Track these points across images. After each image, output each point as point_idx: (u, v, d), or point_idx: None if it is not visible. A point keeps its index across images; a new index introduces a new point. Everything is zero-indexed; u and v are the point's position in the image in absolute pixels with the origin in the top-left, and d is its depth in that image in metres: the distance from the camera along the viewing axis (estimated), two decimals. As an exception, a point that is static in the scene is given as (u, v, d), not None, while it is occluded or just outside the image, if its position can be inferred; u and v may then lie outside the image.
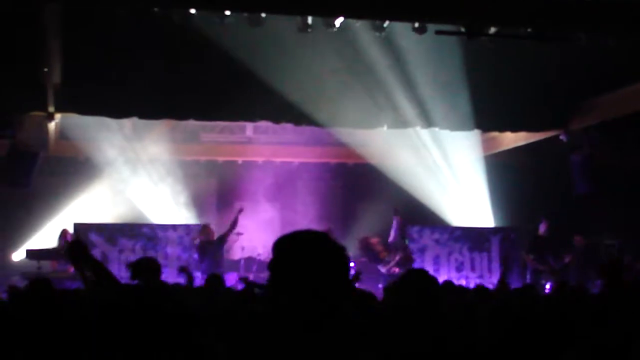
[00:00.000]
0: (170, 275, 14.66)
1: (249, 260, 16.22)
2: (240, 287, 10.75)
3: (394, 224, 15.28)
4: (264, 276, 13.96)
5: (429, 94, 13.97)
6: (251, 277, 14.65)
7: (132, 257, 14.75)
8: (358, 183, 19.50)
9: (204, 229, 15.12)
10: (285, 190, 19.26)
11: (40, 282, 6.54)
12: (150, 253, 15.02)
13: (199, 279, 13.93)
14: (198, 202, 18.03)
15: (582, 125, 15.16)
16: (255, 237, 17.26)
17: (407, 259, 15.07)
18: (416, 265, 15.24)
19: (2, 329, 4.79)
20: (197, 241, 15.00)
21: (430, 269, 15.02)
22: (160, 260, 14.84)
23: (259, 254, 16.40)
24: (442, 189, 17.61)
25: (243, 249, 16.79)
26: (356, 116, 14.09)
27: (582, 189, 15.39)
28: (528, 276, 15.56)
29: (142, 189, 17.22)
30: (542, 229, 15.72)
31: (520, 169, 17.78)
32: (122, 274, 14.43)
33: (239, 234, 16.37)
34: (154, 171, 17.18)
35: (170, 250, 15.31)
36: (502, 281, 10.12)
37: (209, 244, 14.70)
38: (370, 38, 12.91)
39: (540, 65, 13.69)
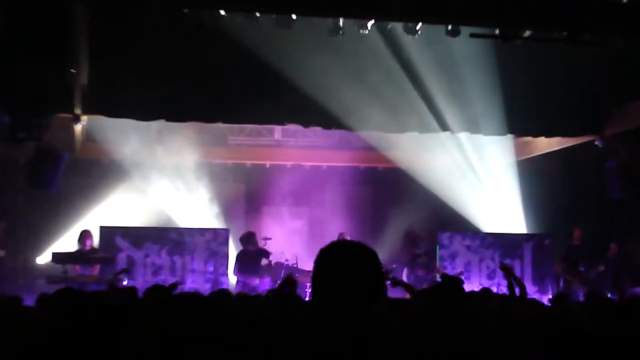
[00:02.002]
0: (197, 281, 14.54)
1: (278, 265, 16.00)
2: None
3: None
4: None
5: (461, 98, 13.81)
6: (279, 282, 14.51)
7: (158, 261, 14.66)
8: (387, 188, 19.25)
9: (250, 236, 15.00)
10: (313, 194, 19.08)
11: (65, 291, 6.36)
12: (177, 258, 14.88)
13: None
14: (225, 206, 17.85)
15: (617, 130, 14.87)
16: (283, 241, 17.08)
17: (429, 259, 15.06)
18: (446, 272, 15.08)
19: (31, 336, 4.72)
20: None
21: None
22: (187, 265, 14.87)
23: (286, 259, 16.19)
24: (474, 194, 17.36)
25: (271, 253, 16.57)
26: (387, 120, 13.86)
27: (616, 195, 15.11)
28: (561, 284, 15.33)
29: (168, 193, 17.05)
30: (576, 238, 15.45)
31: (554, 174, 17.49)
32: (147, 278, 14.36)
33: (266, 238, 16.18)
34: (180, 174, 17.02)
35: (197, 254, 15.07)
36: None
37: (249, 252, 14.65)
38: (402, 41, 12.77)
39: (575, 69, 13.56)
